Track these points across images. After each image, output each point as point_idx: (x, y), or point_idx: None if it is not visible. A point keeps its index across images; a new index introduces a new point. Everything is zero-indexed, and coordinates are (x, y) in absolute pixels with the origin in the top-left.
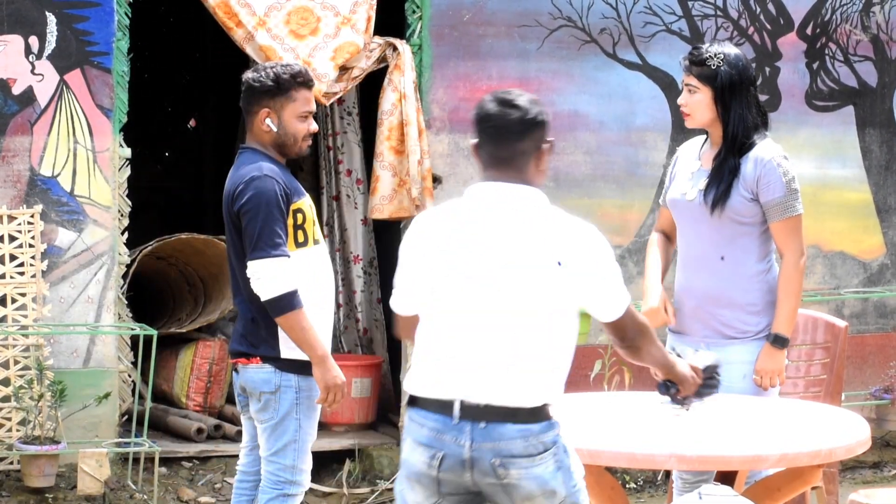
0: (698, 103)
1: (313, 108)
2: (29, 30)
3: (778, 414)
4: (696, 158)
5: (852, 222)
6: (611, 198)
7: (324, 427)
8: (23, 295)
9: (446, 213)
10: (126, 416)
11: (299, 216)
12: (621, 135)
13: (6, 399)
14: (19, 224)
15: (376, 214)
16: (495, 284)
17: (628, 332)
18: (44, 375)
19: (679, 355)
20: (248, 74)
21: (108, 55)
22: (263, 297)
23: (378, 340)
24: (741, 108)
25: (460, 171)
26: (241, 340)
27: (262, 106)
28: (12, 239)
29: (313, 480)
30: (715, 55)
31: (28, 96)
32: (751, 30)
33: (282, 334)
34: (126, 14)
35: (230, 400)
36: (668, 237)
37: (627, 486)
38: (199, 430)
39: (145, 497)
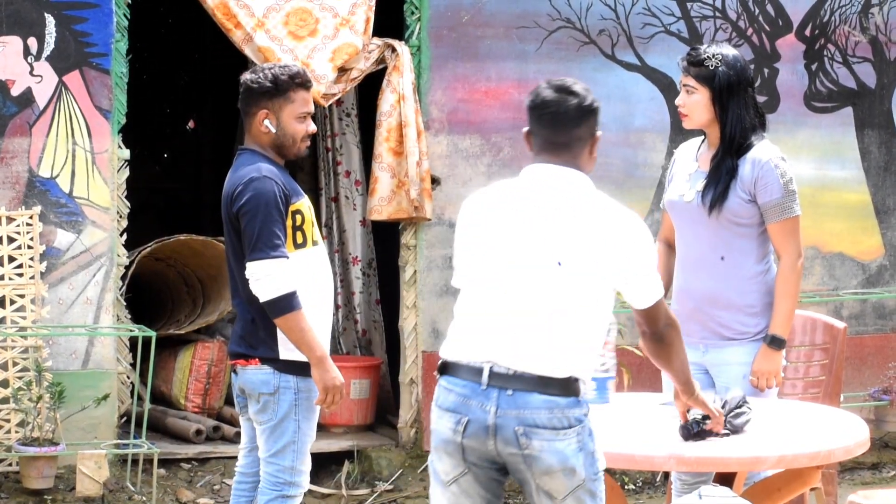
0: (696, 104)
1: (311, 109)
2: (27, 31)
3: (777, 415)
4: (693, 160)
5: (851, 223)
6: None
7: (322, 428)
8: (21, 296)
9: (497, 191)
10: (125, 418)
11: (298, 217)
12: (620, 136)
13: (5, 400)
14: (18, 225)
15: (375, 216)
16: (534, 258)
17: (660, 321)
18: (42, 377)
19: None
20: (246, 76)
21: (107, 56)
22: (262, 299)
23: (377, 342)
24: (739, 108)
25: (459, 172)
26: (239, 342)
27: (260, 107)
28: (11, 240)
29: (312, 482)
30: (713, 56)
31: (27, 97)
32: (749, 31)
33: (280, 335)
34: (125, 15)
35: (229, 401)
36: (671, 246)
37: (626, 487)
38: (198, 432)
39: (144, 499)
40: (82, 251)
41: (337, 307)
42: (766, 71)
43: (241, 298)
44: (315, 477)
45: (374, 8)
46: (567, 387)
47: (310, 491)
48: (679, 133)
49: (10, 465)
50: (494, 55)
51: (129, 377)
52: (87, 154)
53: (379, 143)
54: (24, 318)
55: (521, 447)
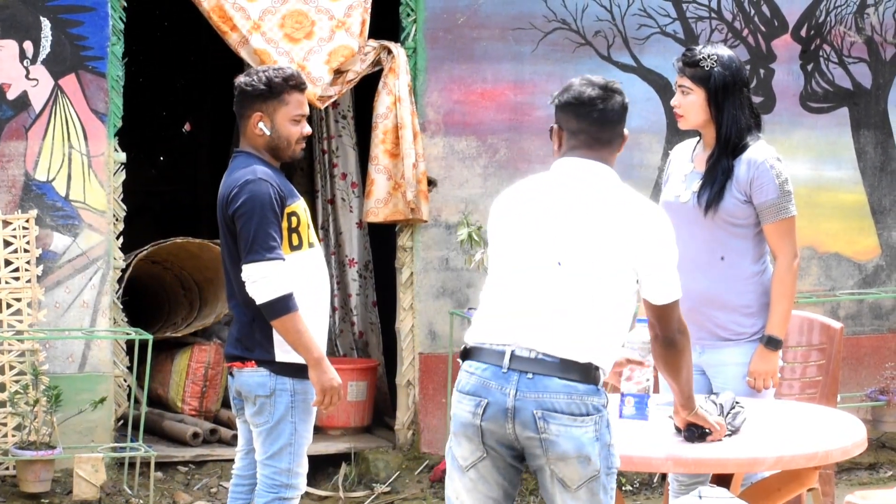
0: (692, 104)
1: (306, 111)
2: (23, 35)
3: (774, 416)
4: (689, 161)
5: (847, 224)
6: None
7: (320, 430)
8: (18, 300)
9: (529, 182)
10: (122, 421)
11: (294, 219)
12: None
13: (2, 404)
14: (14, 229)
15: (371, 218)
16: (561, 249)
17: (672, 323)
18: (39, 380)
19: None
20: (241, 79)
21: (103, 60)
22: (259, 301)
23: (374, 344)
24: (734, 109)
25: (455, 173)
26: (235, 344)
27: (254, 110)
28: (7, 244)
29: (309, 484)
30: (708, 56)
31: (23, 101)
32: (745, 32)
33: (277, 338)
34: (120, 18)
35: (226, 404)
36: None
37: (623, 488)
38: (195, 435)
39: (141, 502)
40: (79, 254)
41: (334, 309)
42: (761, 71)
43: (237, 301)
44: (312, 479)
45: (369, 10)
46: (587, 373)
47: (307, 493)
48: (675, 134)
49: (7, 468)
50: (490, 57)
51: (125, 380)
52: (83, 157)
53: (375, 145)
54: (20, 321)
55: (539, 431)
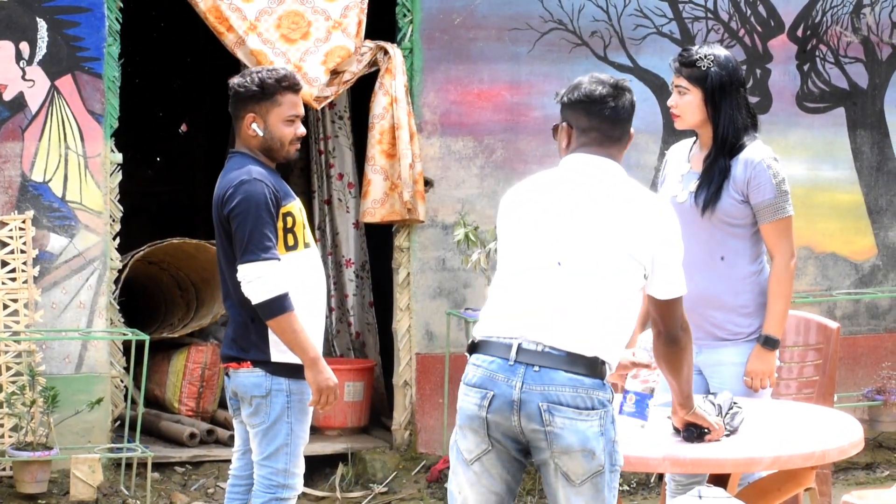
0: (688, 104)
1: (301, 112)
2: (20, 36)
3: (771, 416)
4: (685, 161)
5: (844, 223)
6: None
7: (317, 431)
8: (14, 301)
9: (539, 179)
10: (118, 422)
11: (289, 219)
12: None
13: None
14: (10, 230)
15: (368, 218)
16: (569, 244)
17: (675, 319)
18: (36, 381)
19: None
20: (234, 80)
21: (99, 60)
22: (254, 301)
23: (370, 344)
24: (731, 109)
25: (452, 174)
26: (231, 345)
27: (247, 111)
28: (4, 245)
29: (306, 484)
30: (705, 56)
31: (19, 102)
32: (741, 32)
33: (272, 338)
34: (117, 19)
35: (223, 404)
36: None
37: (621, 488)
38: (192, 435)
39: (138, 502)
40: (75, 255)
41: (330, 310)
42: (758, 72)
43: (232, 301)
44: (309, 479)
45: (366, 11)
46: (593, 367)
47: (304, 494)
48: (671, 134)
49: (4, 469)
50: (487, 57)
51: (122, 381)
52: (79, 158)
53: (372, 145)
54: (17, 322)
55: (544, 423)
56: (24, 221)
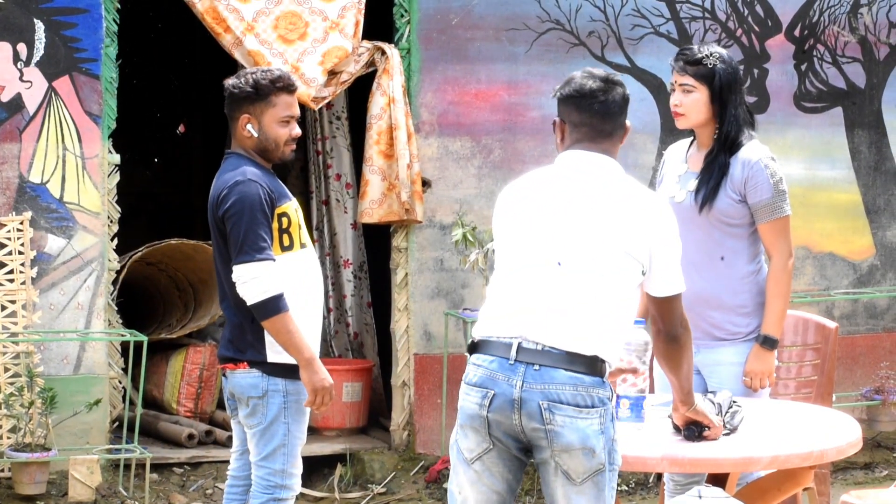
0: (695, 103)
1: (296, 112)
2: (17, 37)
3: (769, 415)
4: (682, 161)
5: (842, 223)
6: None
7: (315, 432)
8: (13, 302)
9: (533, 176)
10: (117, 423)
11: (284, 220)
12: None
13: None
14: (8, 231)
15: (366, 218)
16: (566, 242)
17: (675, 317)
18: (34, 382)
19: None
20: (229, 81)
21: (97, 61)
22: (249, 302)
23: (369, 345)
24: (736, 106)
25: (449, 174)
26: (228, 346)
27: (242, 112)
28: (2, 246)
29: (304, 485)
30: (711, 54)
31: (17, 103)
32: (739, 32)
33: (268, 338)
34: (114, 20)
35: (221, 405)
36: None
37: (619, 488)
38: (190, 436)
39: (136, 503)
40: (73, 256)
41: (328, 310)
42: (755, 71)
43: (229, 302)
44: (307, 480)
45: (363, 11)
46: (592, 366)
47: (302, 494)
48: (669, 134)
49: (2, 470)
50: (484, 57)
51: (120, 382)
52: (77, 159)
53: (369, 146)
54: (15, 323)
55: (545, 422)
56: (21, 222)
